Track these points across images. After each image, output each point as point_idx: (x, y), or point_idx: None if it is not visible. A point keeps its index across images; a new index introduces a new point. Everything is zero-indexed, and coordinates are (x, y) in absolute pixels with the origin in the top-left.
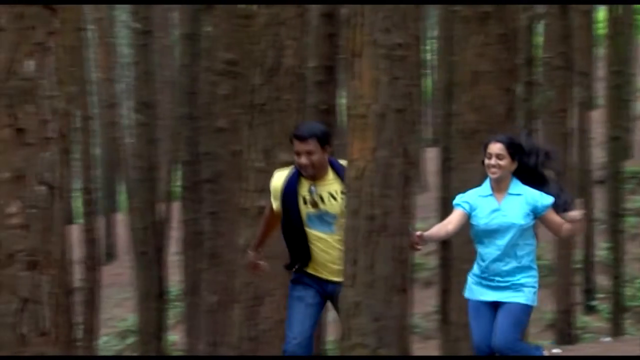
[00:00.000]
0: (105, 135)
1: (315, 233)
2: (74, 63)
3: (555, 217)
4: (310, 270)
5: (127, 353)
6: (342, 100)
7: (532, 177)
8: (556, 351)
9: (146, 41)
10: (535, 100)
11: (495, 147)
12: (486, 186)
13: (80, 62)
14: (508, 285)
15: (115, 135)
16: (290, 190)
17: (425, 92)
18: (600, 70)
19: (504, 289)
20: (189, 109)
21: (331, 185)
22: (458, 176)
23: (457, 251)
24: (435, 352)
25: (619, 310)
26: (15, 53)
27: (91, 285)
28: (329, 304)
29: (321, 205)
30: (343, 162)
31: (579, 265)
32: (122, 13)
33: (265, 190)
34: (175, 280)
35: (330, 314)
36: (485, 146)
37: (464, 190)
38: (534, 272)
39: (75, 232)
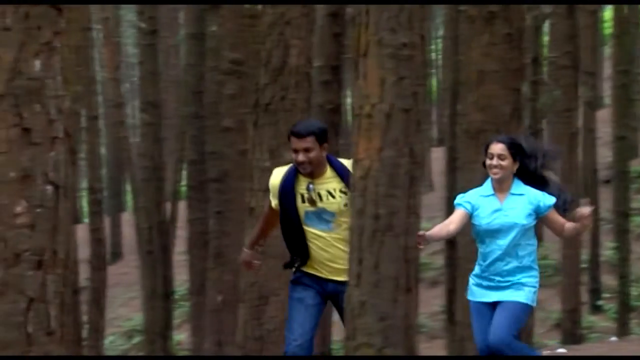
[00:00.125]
0: (112, 134)
1: (313, 231)
2: (80, 63)
3: (557, 217)
4: (309, 270)
5: (133, 352)
6: (348, 100)
7: (532, 178)
8: (561, 351)
9: (152, 41)
10: (541, 99)
11: (497, 148)
12: (487, 186)
13: (86, 62)
14: (508, 284)
15: (121, 135)
16: (287, 187)
17: (431, 91)
18: (607, 70)
19: (504, 289)
20: (194, 109)
21: (329, 183)
22: (464, 176)
23: (463, 251)
24: (441, 352)
25: (625, 310)
26: (21, 53)
27: (97, 285)
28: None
29: (319, 203)
30: (345, 161)
31: (585, 265)
32: (128, 13)
33: None
34: (181, 279)
35: (336, 314)
36: (487, 147)
37: (470, 189)
38: (535, 273)
39: (82, 232)
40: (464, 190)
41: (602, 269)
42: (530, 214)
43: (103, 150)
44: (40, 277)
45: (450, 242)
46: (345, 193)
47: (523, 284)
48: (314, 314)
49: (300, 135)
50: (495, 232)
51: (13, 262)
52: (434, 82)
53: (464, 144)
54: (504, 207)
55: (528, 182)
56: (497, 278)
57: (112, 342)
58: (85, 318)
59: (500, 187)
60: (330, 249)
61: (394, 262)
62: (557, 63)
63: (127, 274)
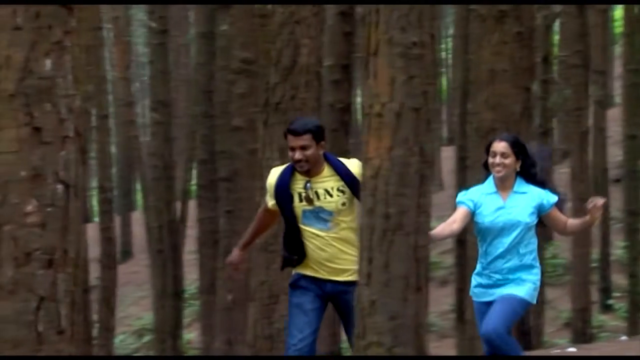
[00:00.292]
0: (122, 133)
1: (310, 230)
2: (91, 62)
3: (559, 215)
4: (307, 271)
5: (143, 351)
6: (358, 99)
7: (532, 177)
8: (572, 350)
9: (162, 40)
10: (552, 98)
11: (500, 146)
12: (490, 184)
13: (96, 61)
14: (508, 281)
15: (131, 134)
16: (282, 186)
17: (441, 90)
18: (617, 69)
19: (504, 285)
20: (205, 108)
21: (327, 181)
22: (474, 175)
23: (473, 250)
24: (451, 351)
25: (635, 309)
26: (32, 52)
27: (107, 284)
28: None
29: (316, 202)
30: (345, 160)
31: (595, 264)
32: (139, 12)
33: None
34: (191, 278)
35: None
36: (489, 145)
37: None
38: (536, 270)
39: (92, 231)
40: None
41: (613, 268)
42: (533, 212)
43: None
44: (50, 276)
45: (460, 241)
46: (343, 192)
47: (524, 280)
48: (313, 319)
49: (296, 133)
50: (498, 230)
51: (24, 261)
52: (444, 81)
53: (474, 143)
54: (506, 205)
55: (528, 180)
56: (497, 276)
57: (122, 341)
58: (95, 317)
59: (503, 185)
60: (328, 249)
61: (404, 261)
62: (567, 62)
63: (138, 272)
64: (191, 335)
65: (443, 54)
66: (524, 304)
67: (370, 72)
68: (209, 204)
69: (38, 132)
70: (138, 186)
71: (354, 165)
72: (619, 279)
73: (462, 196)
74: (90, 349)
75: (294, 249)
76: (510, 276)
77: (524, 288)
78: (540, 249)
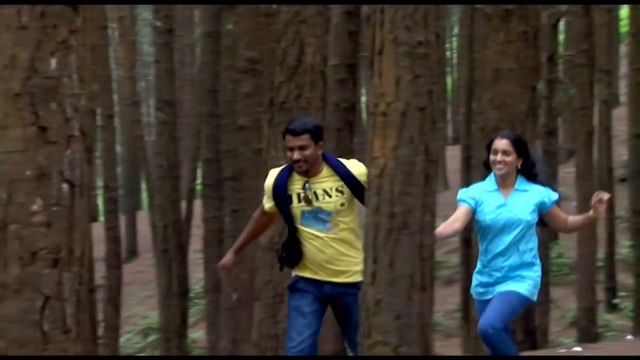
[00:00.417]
0: (127, 133)
1: (309, 231)
2: (96, 61)
3: (560, 212)
4: (306, 273)
5: (148, 350)
6: (363, 98)
7: (531, 176)
8: (577, 349)
9: (168, 39)
10: (557, 98)
11: (501, 143)
12: (491, 181)
13: (102, 60)
14: (509, 279)
15: (136, 133)
16: (280, 186)
17: (446, 90)
18: (623, 68)
19: (503, 282)
20: (210, 107)
21: (326, 182)
22: (479, 174)
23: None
24: (456, 350)
25: None
26: (37, 51)
27: (113, 283)
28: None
29: (315, 202)
30: (345, 161)
31: (601, 263)
32: (144, 11)
33: None
34: (196, 277)
35: None
36: (490, 143)
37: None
38: (537, 268)
39: (97, 230)
40: None
41: (618, 267)
42: (534, 210)
43: (119, 149)
44: (56, 275)
45: (466, 241)
46: (342, 192)
47: (524, 277)
48: (312, 321)
49: (295, 133)
50: (499, 228)
51: (29, 261)
52: (449, 80)
53: (479, 142)
54: (508, 202)
55: (529, 178)
56: (498, 274)
57: (128, 340)
58: (101, 316)
59: (504, 183)
60: (327, 250)
61: (409, 261)
62: (573, 61)
63: (143, 272)
64: (197, 335)
65: (448, 53)
66: (523, 300)
67: (375, 72)
68: (214, 203)
69: (43, 131)
70: (143, 185)
71: (353, 165)
72: (624, 278)
73: (462, 194)
74: (96, 348)
75: (292, 250)
76: (511, 274)
77: (524, 285)
78: (546, 249)
